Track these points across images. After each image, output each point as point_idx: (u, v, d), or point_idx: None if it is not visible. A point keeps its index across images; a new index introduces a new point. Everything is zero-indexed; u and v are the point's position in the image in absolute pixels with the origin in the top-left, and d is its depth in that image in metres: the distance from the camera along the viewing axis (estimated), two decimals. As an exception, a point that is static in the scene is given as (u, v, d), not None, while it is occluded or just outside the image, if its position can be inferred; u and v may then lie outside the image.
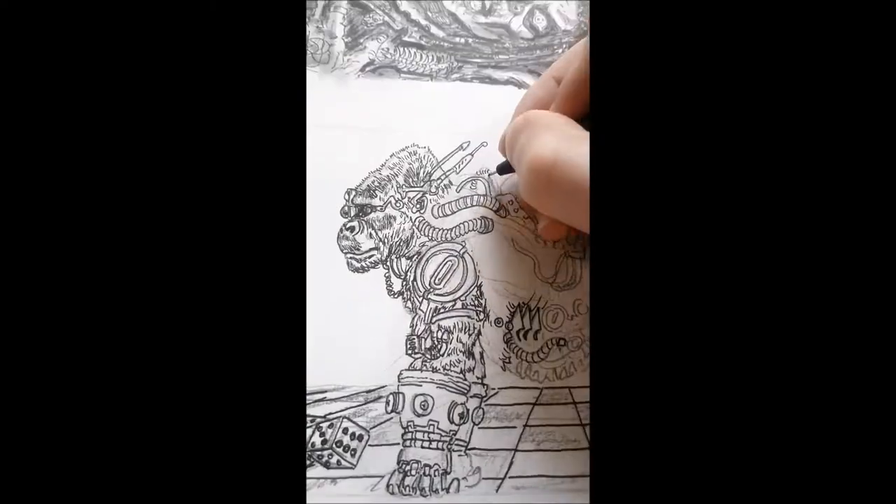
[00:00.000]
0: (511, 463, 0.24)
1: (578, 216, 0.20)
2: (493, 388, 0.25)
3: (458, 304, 0.27)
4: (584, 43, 0.23)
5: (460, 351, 0.26)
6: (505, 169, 0.27)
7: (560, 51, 0.32)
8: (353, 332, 0.25)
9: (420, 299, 0.27)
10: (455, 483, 0.23)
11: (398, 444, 0.24)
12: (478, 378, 0.25)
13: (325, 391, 0.24)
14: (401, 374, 0.25)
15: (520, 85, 0.31)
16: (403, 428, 0.24)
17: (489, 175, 0.29)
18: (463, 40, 0.32)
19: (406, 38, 0.31)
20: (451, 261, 0.27)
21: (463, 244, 0.28)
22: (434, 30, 0.32)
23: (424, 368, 0.25)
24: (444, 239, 0.28)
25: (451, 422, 0.24)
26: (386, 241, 0.27)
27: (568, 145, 0.20)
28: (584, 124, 0.22)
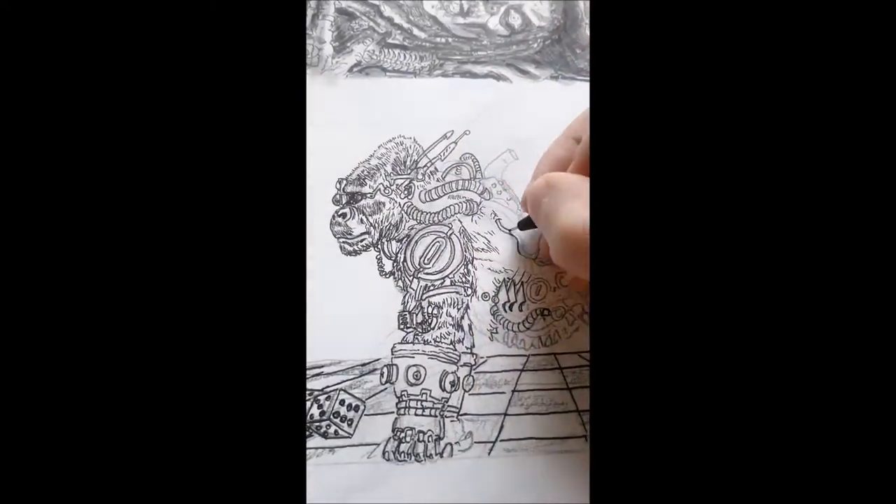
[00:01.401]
0: (501, 427, 0.25)
1: None
2: (482, 357, 0.26)
3: (447, 282, 0.28)
4: None
5: (450, 324, 0.27)
6: (526, 225, 0.28)
7: (535, 45, 0.34)
8: (347, 310, 0.27)
9: (410, 278, 0.28)
10: (448, 448, 0.24)
11: (393, 412, 0.25)
12: (467, 348, 0.26)
13: (322, 366, 0.26)
14: (394, 347, 0.26)
15: (498, 77, 0.33)
16: (397, 397, 0.25)
17: (510, 232, 0.29)
18: (443, 40, 0.34)
19: (390, 41, 0.34)
20: (438, 242, 0.29)
21: (450, 226, 0.29)
22: (416, 31, 0.34)
23: (416, 341, 0.26)
24: (431, 222, 0.29)
25: (443, 390, 0.25)
26: (376, 225, 0.29)
27: None
28: None
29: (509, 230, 0.29)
